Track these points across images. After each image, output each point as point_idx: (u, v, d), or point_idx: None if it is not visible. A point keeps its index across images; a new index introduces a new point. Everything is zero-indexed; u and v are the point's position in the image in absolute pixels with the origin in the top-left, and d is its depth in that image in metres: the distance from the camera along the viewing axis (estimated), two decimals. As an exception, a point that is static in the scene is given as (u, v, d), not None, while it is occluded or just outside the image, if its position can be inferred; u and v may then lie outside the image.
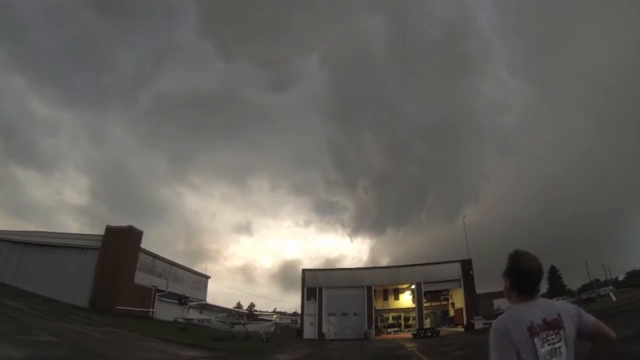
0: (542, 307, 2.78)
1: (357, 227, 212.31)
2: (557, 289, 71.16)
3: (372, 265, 61.74)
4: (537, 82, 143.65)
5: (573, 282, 78.84)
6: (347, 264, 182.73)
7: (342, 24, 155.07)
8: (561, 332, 2.68)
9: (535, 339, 2.61)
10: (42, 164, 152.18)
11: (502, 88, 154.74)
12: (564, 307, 2.85)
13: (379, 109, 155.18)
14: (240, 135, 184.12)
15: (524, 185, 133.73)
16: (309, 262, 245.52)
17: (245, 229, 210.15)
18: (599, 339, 2.79)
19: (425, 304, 49.87)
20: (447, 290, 52.09)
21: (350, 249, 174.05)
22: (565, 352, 2.67)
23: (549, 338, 2.64)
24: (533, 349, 2.58)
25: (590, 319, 2.81)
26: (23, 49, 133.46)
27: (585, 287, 66.31)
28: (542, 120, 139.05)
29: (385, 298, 56.54)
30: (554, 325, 2.68)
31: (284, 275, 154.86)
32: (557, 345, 2.65)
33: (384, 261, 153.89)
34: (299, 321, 58.01)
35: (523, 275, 2.83)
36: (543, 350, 2.60)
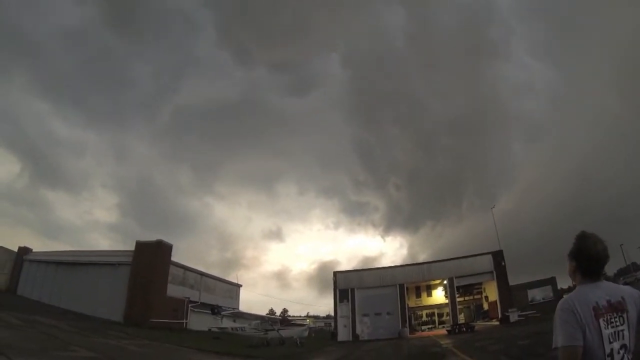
0: (606, 289, 2.79)
1: (389, 226, 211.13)
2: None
3: (409, 262, 61.14)
4: (562, 63, 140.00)
5: (609, 266, 76.63)
6: (384, 262, 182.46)
7: (360, 20, 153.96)
8: (624, 316, 2.69)
9: (600, 320, 2.63)
10: (70, 185, 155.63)
11: (526, 73, 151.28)
12: (628, 290, 2.85)
13: (404, 104, 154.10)
14: (264, 142, 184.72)
15: (555, 170, 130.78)
16: (343, 264, 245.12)
17: (275, 234, 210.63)
18: None
19: (458, 299, 49.07)
20: (480, 283, 51.21)
21: (384, 248, 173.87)
22: (628, 335, 2.68)
23: (612, 320, 2.66)
24: (598, 330, 2.61)
25: None
26: (43, 73, 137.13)
27: (622, 271, 64.44)
28: (570, 101, 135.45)
29: (418, 295, 55.97)
30: (617, 307, 2.69)
31: (316, 279, 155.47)
32: (620, 328, 2.66)
33: (422, 257, 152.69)
34: (332, 324, 57.95)
35: (590, 258, 2.85)
36: (607, 332, 2.62)
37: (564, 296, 2.85)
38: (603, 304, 2.67)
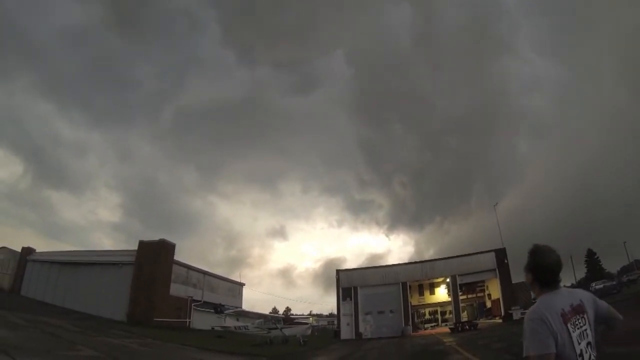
0: (566, 295, 2.99)
1: (394, 224, 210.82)
2: (595, 273, 69.32)
3: (414, 260, 60.89)
4: (568, 60, 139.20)
5: (612, 264, 76.27)
6: (390, 260, 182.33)
7: (365, 17, 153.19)
8: (585, 316, 2.90)
9: (568, 324, 2.79)
10: (73, 185, 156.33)
11: (532, 69, 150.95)
12: (584, 294, 3.10)
13: (409, 102, 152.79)
14: (268, 141, 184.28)
15: (561, 167, 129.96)
16: (349, 261, 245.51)
17: (279, 233, 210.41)
18: (611, 321, 3.06)
19: (461, 297, 49.07)
20: (483, 281, 51.11)
21: (389, 246, 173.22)
22: (590, 334, 2.89)
23: (576, 322, 2.83)
24: (568, 334, 2.75)
25: (604, 303, 3.09)
26: (47, 74, 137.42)
27: (625, 269, 64.27)
28: (576, 98, 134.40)
29: (421, 293, 56.01)
30: (579, 310, 2.89)
31: (320, 277, 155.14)
32: (583, 328, 2.86)
33: (428, 254, 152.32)
34: (335, 322, 57.95)
35: (545, 270, 3.02)
36: (575, 334, 2.78)
37: (532, 309, 2.96)
38: (568, 309, 2.84)
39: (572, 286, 36.43)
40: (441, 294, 54.26)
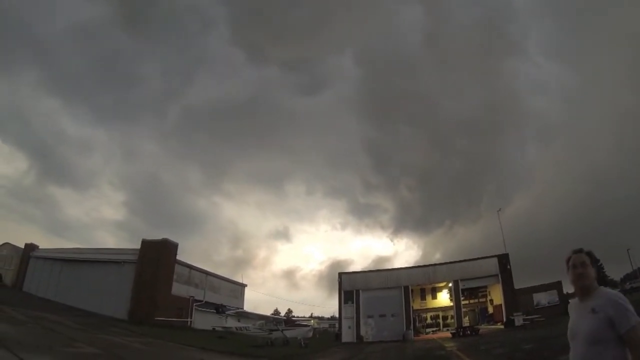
0: None
1: (398, 228, 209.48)
2: (598, 280, 68.79)
3: (417, 264, 60.72)
4: (576, 62, 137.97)
5: (615, 271, 75.83)
6: (396, 263, 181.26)
7: (376, 17, 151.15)
8: None
9: None
10: (77, 183, 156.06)
11: (540, 72, 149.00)
12: None
13: (417, 103, 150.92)
14: (274, 141, 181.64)
15: (568, 171, 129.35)
16: (352, 265, 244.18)
17: (282, 234, 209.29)
18: None
19: (463, 302, 48.83)
20: (485, 286, 50.90)
21: (394, 250, 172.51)
22: None
23: None
24: None
25: None
26: (53, 71, 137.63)
27: (628, 277, 63.87)
28: (584, 101, 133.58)
29: (423, 297, 55.79)
30: None
31: (323, 280, 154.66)
32: None
33: (433, 259, 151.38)
34: (337, 325, 57.85)
35: None
36: None
37: (617, 291, 3.55)
38: None
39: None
40: (443, 298, 54.00)
